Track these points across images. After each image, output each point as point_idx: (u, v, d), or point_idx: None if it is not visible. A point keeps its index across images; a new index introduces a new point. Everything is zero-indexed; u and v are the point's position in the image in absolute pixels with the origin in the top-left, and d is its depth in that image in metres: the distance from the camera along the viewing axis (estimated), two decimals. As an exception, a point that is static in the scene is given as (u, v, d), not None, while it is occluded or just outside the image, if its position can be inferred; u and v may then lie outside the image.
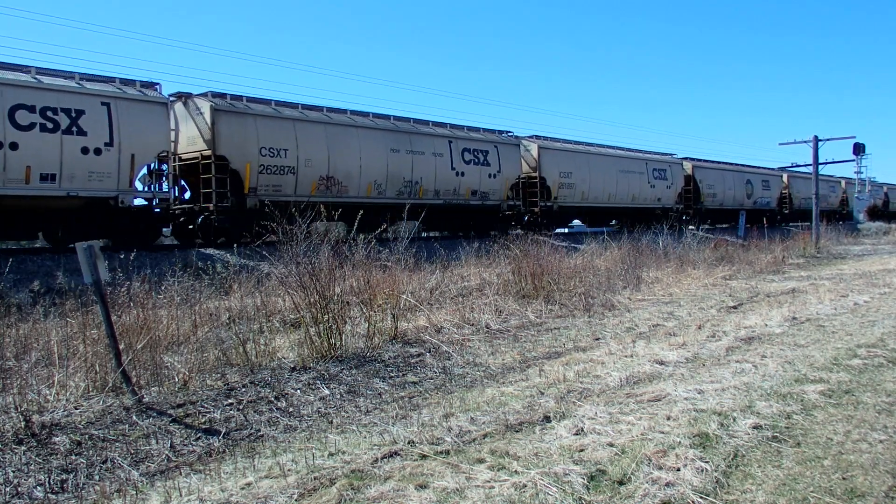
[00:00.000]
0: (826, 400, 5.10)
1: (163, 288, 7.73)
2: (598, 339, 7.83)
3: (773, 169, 42.46)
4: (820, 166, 30.29)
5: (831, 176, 51.54)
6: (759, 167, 40.86)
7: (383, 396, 5.57)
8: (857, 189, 48.31)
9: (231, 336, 6.78)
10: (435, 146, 20.90)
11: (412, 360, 6.70)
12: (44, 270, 11.59)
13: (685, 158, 34.09)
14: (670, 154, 33.51)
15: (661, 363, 6.37)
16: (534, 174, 24.84)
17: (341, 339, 6.81)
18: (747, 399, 5.06)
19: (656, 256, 16.07)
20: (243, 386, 5.63)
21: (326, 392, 5.61)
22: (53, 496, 3.70)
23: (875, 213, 49.75)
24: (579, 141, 28.37)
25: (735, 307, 10.30)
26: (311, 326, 6.71)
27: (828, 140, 30.09)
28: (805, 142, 30.01)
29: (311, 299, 6.85)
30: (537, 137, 25.81)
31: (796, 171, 42.25)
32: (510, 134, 24.48)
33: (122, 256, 8.72)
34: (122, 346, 5.44)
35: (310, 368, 6.19)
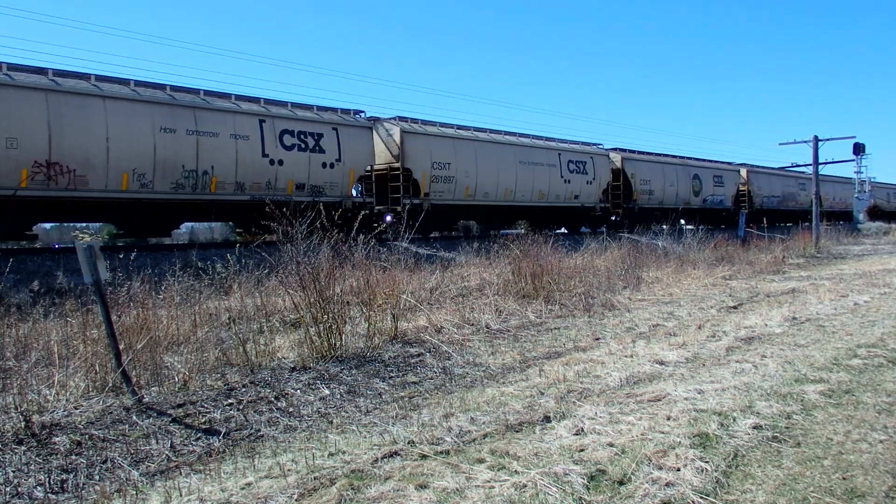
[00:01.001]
0: (826, 400, 5.10)
1: (163, 288, 7.73)
2: (598, 339, 7.83)
3: (729, 163, 38.00)
4: (820, 166, 30.21)
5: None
6: (710, 160, 36.09)
7: (383, 396, 5.57)
8: (856, 189, 48.04)
9: (231, 336, 6.78)
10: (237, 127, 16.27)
11: (412, 360, 6.70)
12: (44, 270, 11.59)
13: (614, 149, 29.76)
14: (595, 144, 28.80)
15: (662, 363, 6.37)
16: (396, 165, 20.08)
17: (341, 339, 6.81)
18: (747, 399, 5.06)
19: (656, 256, 16.07)
20: (243, 386, 5.63)
21: (326, 392, 5.61)
22: (53, 496, 3.70)
23: (875, 213, 49.52)
24: (462, 125, 23.10)
25: (735, 307, 10.30)
26: (311, 326, 6.71)
27: (828, 140, 30.06)
28: (805, 142, 30.02)
29: (311, 299, 6.85)
30: (402, 119, 20.97)
31: (758, 167, 39.18)
32: (361, 115, 19.68)
33: (121, 256, 8.72)
34: (122, 346, 5.44)
35: (310, 368, 6.19)
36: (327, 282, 7.00)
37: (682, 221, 31.86)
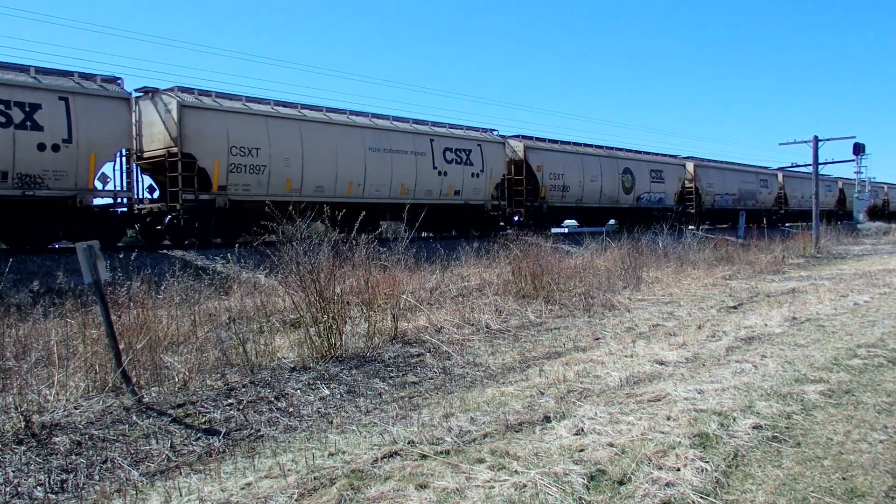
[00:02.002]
0: (826, 400, 5.10)
1: (163, 288, 7.73)
2: (598, 339, 7.83)
3: (673, 156, 33.35)
4: (820, 166, 30.20)
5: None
6: (646, 152, 31.51)
7: (383, 396, 5.57)
8: (856, 189, 47.88)
9: (231, 336, 6.78)
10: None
11: (412, 360, 6.70)
12: (44, 270, 11.58)
13: (515, 136, 24.73)
14: (489, 130, 23.60)
15: (661, 363, 6.37)
16: (174, 149, 15.19)
17: (341, 339, 6.81)
18: (747, 399, 5.06)
19: (656, 256, 16.07)
20: (243, 386, 5.63)
21: (326, 392, 5.61)
22: (53, 496, 3.70)
23: (875, 213, 49.09)
24: (286, 101, 17.90)
25: (735, 307, 10.30)
26: (311, 326, 6.71)
27: (828, 140, 30.04)
28: (805, 142, 30.00)
29: (311, 299, 6.85)
30: (183, 90, 15.93)
31: (708, 160, 34.65)
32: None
33: (121, 256, 8.72)
34: (122, 346, 5.44)
35: (310, 368, 6.19)
36: (327, 282, 7.00)
37: (613, 222, 29.43)
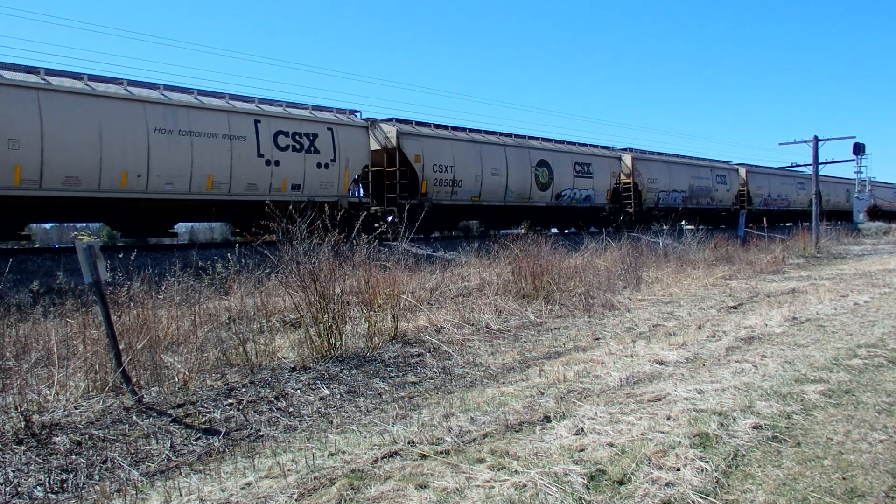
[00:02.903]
0: (826, 400, 5.10)
1: (163, 288, 7.73)
2: (598, 339, 7.83)
3: (605, 147, 28.51)
4: (820, 166, 30.20)
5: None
6: (570, 142, 26.65)
7: (383, 396, 5.57)
8: (857, 189, 47.80)
9: (231, 336, 6.78)
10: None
11: (412, 360, 6.70)
12: (44, 270, 11.58)
13: (387, 120, 20.29)
14: (351, 111, 18.86)
15: (661, 363, 6.37)
16: None
17: (341, 339, 6.81)
18: (747, 399, 5.06)
19: (656, 256, 16.08)
20: (243, 386, 5.63)
21: (326, 392, 5.61)
22: (53, 496, 3.70)
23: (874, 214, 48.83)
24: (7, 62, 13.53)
25: (735, 307, 10.30)
26: (311, 326, 6.71)
27: (828, 140, 30.05)
28: (805, 142, 30.01)
29: (311, 299, 6.85)
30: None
31: (650, 153, 30.65)
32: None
33: (121, 256, 8.71)
34: (122, 346, 5.44)
35: (310, 368, 6.19)
36: (327, 282, 7.00)
37: (531, 223, 25.42)
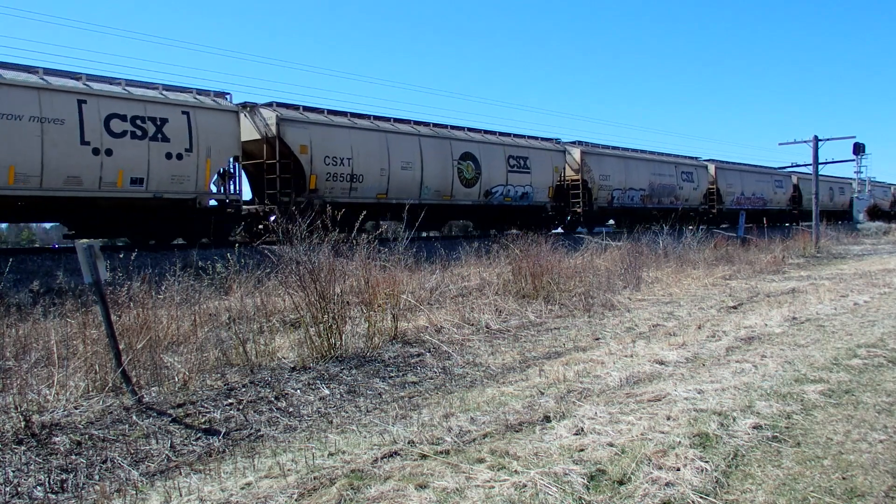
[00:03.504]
0: (826, 400, 5.10)
1: (163, 288, 7.73)
2: (598, 339, 7.83)
3: (549, 140, 25.30)
4: (820, 166, 30.21)
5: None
6: (503, 133, 23.42)
7: (383, 396, 5.57)
8: (856, 189, 47.58)
9: (231, 336, 6.78)
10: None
11: (412, 360, 6.70)
12: (44, 270, 11.58)
13: (267, 105, 17.06)
14: (220, 93, 16.03)
15: (661, 363, 6.37)
16: None
17: (341, 338, 6.81)
18: (747, 399, 5.06)
19: (656, 256, 16.07)
20: (243, 386, 5.63)
21: (326, 392, 5.61)
22: (53, 496, 3.70)
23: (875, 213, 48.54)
24: None
25: (735, 307, 10.30)
26: (311, 326, 6.71)
27: (828, 140, 30.05)
28: (805, 142, 30.01)
29: (311, 299, 6.85)
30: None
31: (605, 148, 27.58)
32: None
33: (121, 256, 8.71)
34: (122, 346, 5.44)
35: (310, 368, 6.19)
36: (327, 282, 7.00)
37: (466, 224, 23.64)
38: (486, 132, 22.94)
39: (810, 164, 29.76)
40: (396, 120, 20.05)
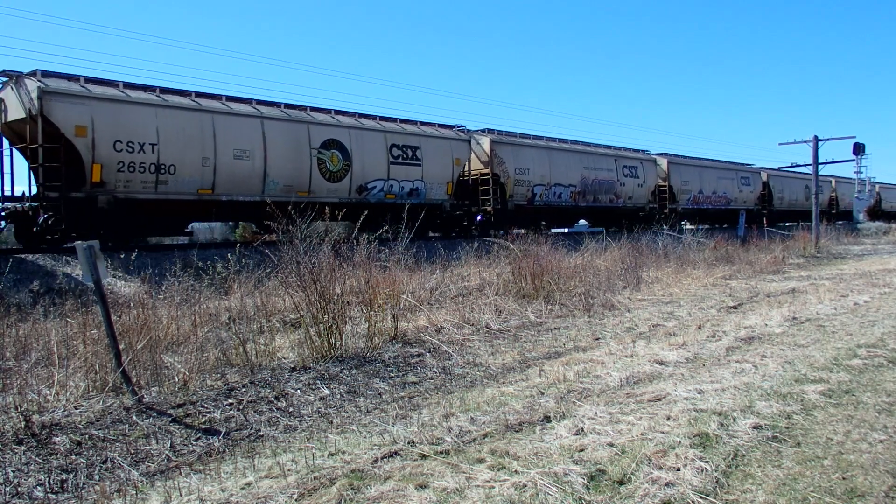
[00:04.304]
0: (826, 400, 5.10)
1: (163, 288, 7.73)
2: (598, 339, 7.83)
3: (448, 127, 21.49)
4: (820, 166, 30.20)
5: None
6: (383, 118, 19.77)
7: (383, 396, 5.57)
8: (857, 189, 47.32)
9: (231, 336, 6.78)
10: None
11: (412, 360, 6.70)
12: (44, 270, 11.59)
13: (31, 74, 13.33)
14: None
15: (661, 363, 6.37)
16: None
17: (341, 339, 6.81)
18: (747, 399, 5.06)
19: (656, 256, 16.08)
20: (243, 386, 5.63)
21: (326, 392, 5.61)
22: (53, 496, 3.70)
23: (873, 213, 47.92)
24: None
25: (735, 307, 10.30)
26: (312, 326, 6.71)
27: (828, 140, 30.04)
28: (805, 142, 29.99)
29: (312, 299, 6.85)
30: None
31: (519, 138, 23.66)
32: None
33: (122, 256, 8.73)
34: (122, 346, 5.44)
35: (310, 368, 6.19)
36: (328, 282, 7.00)
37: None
38: (362, 115, 19.07)
39: (810, 164, 29.74)
40: (230, 98, 16.27)
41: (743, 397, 5.11)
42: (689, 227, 29.56)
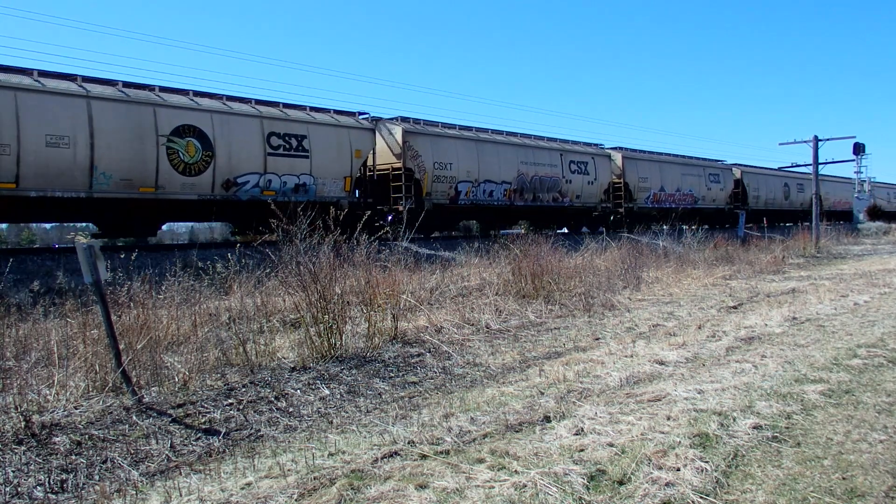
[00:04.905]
0: (826, 400, 5.10)
1: (163, 288, 7.73)
2: (598, 339, 7.83)
3: (345, 113, 18.42)
4: (820, 166, 30.21)
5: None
6: (259, 101, 16.77)
7: (383, 396, 5.57)
8: (856, 189, 47.11)
9: (231, 336, 6.78)
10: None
11: (412, 360, 6.70)
12: (44, 270, 11.58)
13: None
14: None
15: (661, 363, 6.37)
16: None
17: (341, 339, 6.81)
18: (747, 399, 5.06)
19: (656, 256, 16.08)
20: (243, 386, 5.63)
21: (326, 392, 5.61)
22: (53, 496, 3.70)
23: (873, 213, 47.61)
24: None
25: (735, 307, 10.30)
26: (312, 326, 6.71)
27: (828, 140, 30.04)
28: (805, 142, 30.00)
29: (312, 299, 6.85)
30: None
31: (441, 128, 21.01)
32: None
33: (122, 256, 8.72)
34: (122, 346, 5.44)
35: (310, 368, 6.19)
36: (328, 282, 6.99)
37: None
38: (232, 98, 16.39)
39: (811, 164, 29.75)
40: (45, 74, 13.48)
41: (743, 397, 5.11)
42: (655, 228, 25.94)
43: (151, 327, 6.26)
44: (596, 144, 27.64)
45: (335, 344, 6.67)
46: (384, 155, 19.70)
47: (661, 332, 8.26)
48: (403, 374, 6.23)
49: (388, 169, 19.64)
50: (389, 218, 18.93)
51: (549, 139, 25.31)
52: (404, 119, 20.11)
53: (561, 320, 9.21)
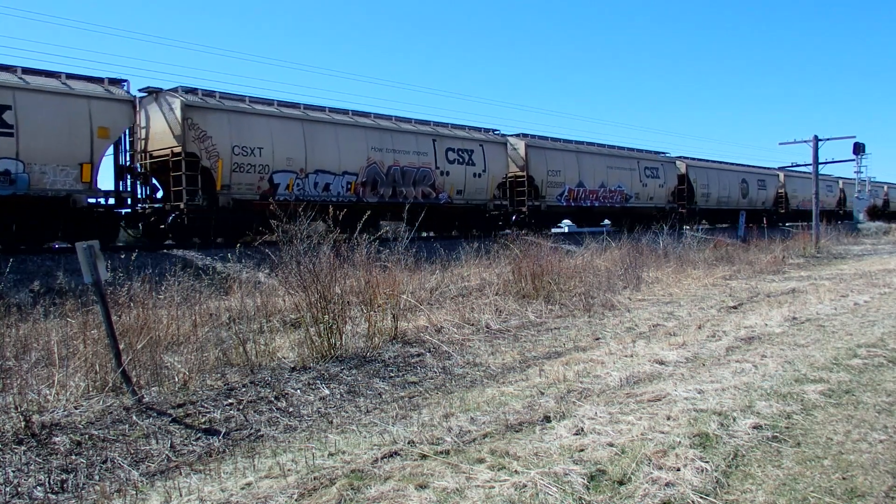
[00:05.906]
0: (826, 400, 5.10)
1: (163, 288, 7.73)
2: (598, 339, 7.83)
3: (82, 78, 13.88)
4: (820, 166, 30.21)
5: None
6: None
7: (383, 396, 5.57)
8: (856, 189, 46.95)
9: (231, 336, 6.78)
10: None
11: (412, 360, 6.70)
12: (44, 270, 11.58)
13: None
14: None
15: (661, 363, 6.37)
16: None
17: (341, 338, 6.81)
18: (747, 399, 5.06)
19: (656, 256, 16.07)
20: (243, 386, 5.63)
21: (326, 392, 5.61)
22: (53, 496, 3.70)
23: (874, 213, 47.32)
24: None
25: (735, 307, 10.30)
26: (312, 326, 6.71)
27: (828, 140, 30.03)
28: (805, 141, 29.99)
29: (312, 299, 6.85)
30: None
31: (248, 103, 16.39)
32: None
33: (122, 256, 8.72)
34: (122, 346, 5.44)
35: (310, 368, 6.19)
36: (328, 282, 6.99)
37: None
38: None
39: (810, 164, 29.75)
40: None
41: (743, 397, 5.11)
42: (559, 229, 23.09)
43: (151, 327, 6.26)
44: (489, 130, 23.05)
45: (335, 344, 6.67)
46: (165, 137, 15.52)
47: (661, 331, 8.26)
48: (403, 374, 6.23)
49: (167, 155, 15.40)
50: (170, 219, 15.44)
51: (419, 121, 20.79)
52: (192, 90, 15.80)
53: (561, 320, 9.21)
